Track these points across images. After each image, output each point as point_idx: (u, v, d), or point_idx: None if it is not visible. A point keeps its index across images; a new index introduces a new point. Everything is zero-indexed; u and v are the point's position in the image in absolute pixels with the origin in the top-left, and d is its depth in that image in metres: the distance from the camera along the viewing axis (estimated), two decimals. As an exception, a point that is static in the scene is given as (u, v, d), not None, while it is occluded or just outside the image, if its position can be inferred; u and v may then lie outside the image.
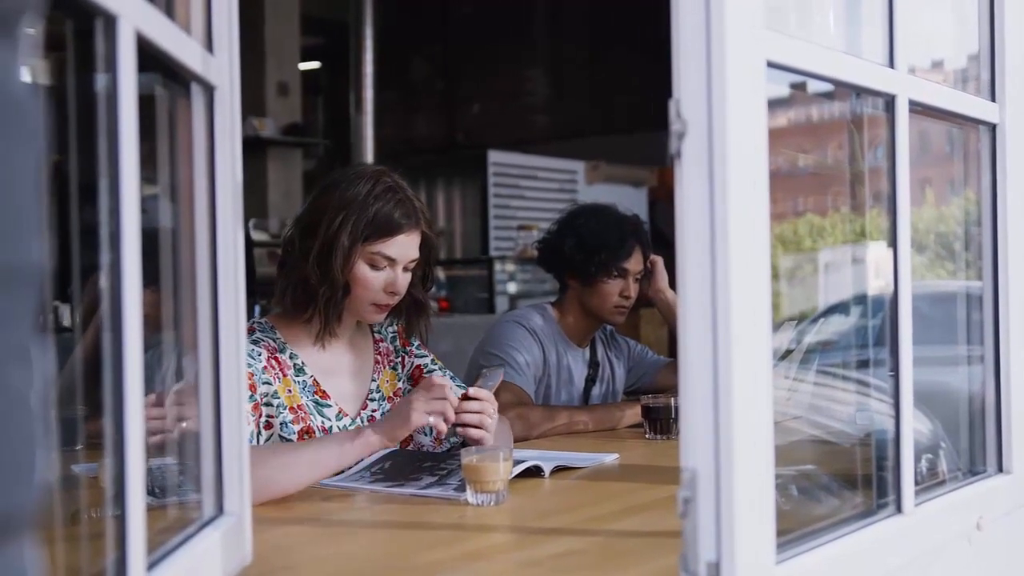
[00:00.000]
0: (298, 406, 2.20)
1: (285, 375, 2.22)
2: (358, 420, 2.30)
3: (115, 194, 1.01)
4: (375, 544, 1.71)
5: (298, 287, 2.23)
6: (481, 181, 8.21)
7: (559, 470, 2.20)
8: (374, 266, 2.22)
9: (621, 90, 9.59)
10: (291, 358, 2.25)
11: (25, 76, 0.60)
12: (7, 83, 0.57)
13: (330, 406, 2.26)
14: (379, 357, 2.41)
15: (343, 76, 9.05)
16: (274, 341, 2.24)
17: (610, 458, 2.36)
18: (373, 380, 2.37)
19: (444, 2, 10.55)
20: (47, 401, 0.60)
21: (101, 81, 1.02)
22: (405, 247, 2.24)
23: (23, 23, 0.59)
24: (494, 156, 8.21)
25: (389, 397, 2.38)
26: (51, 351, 0.62)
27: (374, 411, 2.34)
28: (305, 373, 2.25)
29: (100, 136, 1.02)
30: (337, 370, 2.31)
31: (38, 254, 0.59)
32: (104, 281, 1.01)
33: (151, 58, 1.13)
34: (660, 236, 5.28)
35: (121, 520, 1.01)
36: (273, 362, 2.20)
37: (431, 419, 2.03)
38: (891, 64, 1.54)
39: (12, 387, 0.56)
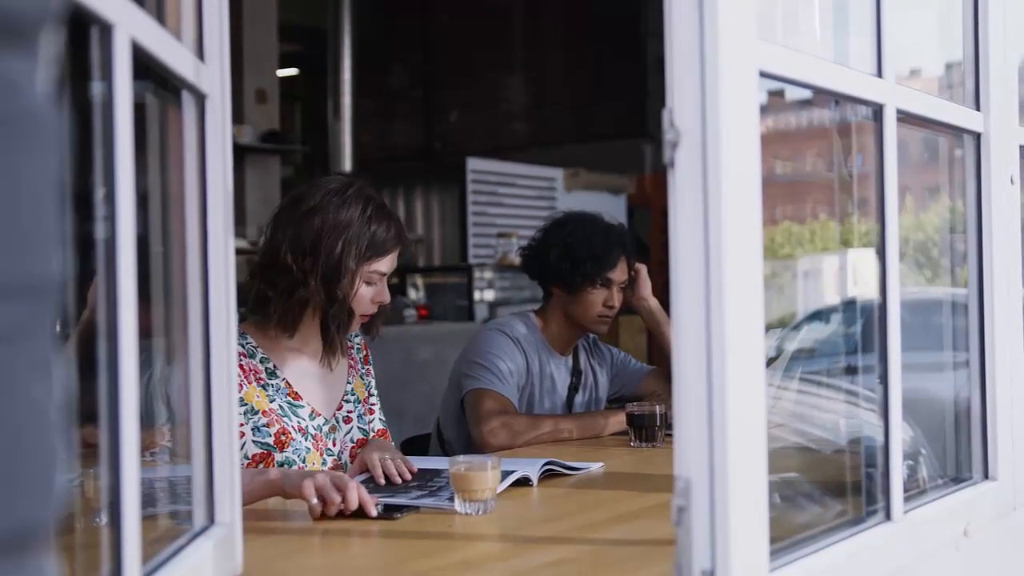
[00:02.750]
0: (270, 409, 2.25)
1: (251, 382, 2.25)
2: (332, 420, 2.37)
3: (111, 202, 1.01)
4: (365, 554, 1.70)
5: (297, 308, 2.27)
6: (460, 188, 8.20)
7: (548, 476, 2.20)
8: (369, 283, 2.31)
9: (599, 98, 9.61)
10: (262, 362, 2.30)
11: (44, 87, 0.59)
12: (26, 95, 0.57)
13: (303, 407, 2.31)
14: (352, 362, 2.48)
15: (321, 83, 9.03)
16: (243, 347, 2.26)
17: (596, 467, 2.37)
18: (348, 383, 2.44)
19: (422, 10, 10.55)
20: (66, 413, 0.59)
21: (96, 89, 1.02)
22: (394, 261, 2.35)
23: (42, 34, 0.58)
24: (473, 163, 8.19)
25: (363, 400, 2.47)
26: (70, 363, 0.61)
27: (349, 412, 2.42)
28: (278, 376, 2.30)
29: (95, 143, 1.02)
30: (312, 374, 2.37)
31: (57, 267, 0.59)
32: (100, 289, 1.00)
33: (143, 66, 1.12)
34: (638, 243, 5.29)
35: (116, 531, 1.01)
36: (238, 368, 2.20)
37: (314, 500, 1.86)
38: (879, 74, 1.55)
39: (33, 400, 0.56)
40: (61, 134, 0.61)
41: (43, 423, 0.57)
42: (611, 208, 7.65)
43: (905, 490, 1.58)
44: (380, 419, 2.53)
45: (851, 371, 1.95)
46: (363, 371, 2.51)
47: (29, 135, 0.57)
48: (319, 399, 2.36)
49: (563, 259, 3.01)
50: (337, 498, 1.83)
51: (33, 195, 0.57)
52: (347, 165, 8.66)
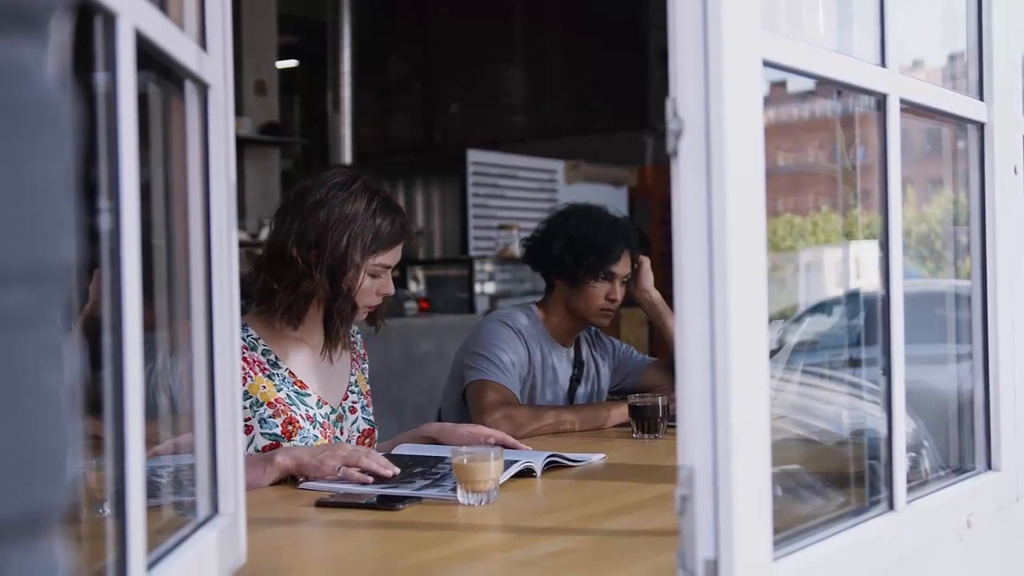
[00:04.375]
0: (276, 400, 2.27)
1: (257, 373, 2.27)
2: (340, 409, 2.40)
3: (115, 193, 1.00)
4: (368, 545, 1.70)
5: (303, 301, 2.29)
6: (460, 181, 8.19)
7: (550, 468, 2.20)
8: (373, 276, 2.33)
9: (600, 90, 9.61)
10: (264, 354, 2.31)
11: (55, 74, 0.59)
12: (38, 82, 0.57)
13: (310, 395, 2.34)
14: (354, 355, 2.51)
15: (321, 75, 9.02)
16: (244, 339, 2.28)
17: (597, 457, 2.37)
18: (352, 375, 2.47)
19: (422, 2, 10.54)
20: (76, 399, 0.59)
21: (100, 79, 1.01)
22: (398, 254, 2.37)
23: (53, 21, 0.59)
24: (473, 155, 8.19)
25: (365, 393, 2.49)
26: (81, 350, 0.62)
27: (354, 403, 2.45)
28: (281, 367, 2.32)
29: (98, 133, 1.02)
30: (315, 364, 2.39)
31: (69, 253, 0.59)
32: (104, 281, 1.00)
33: (146, 56, 1.12)
34: (641, 236, 5.29)
35: (121, 521, 1.00)
36: (243, 362, 2.22)
37: (340, 472, 2.07)
38: (882, 63, 1.55)
39: (44, 385, 0.56)
40: (72, 120, 0.61)
41: (54, 408, 0.57)
42: (612, 200, 7.65)
43: (908, 481, 1.58)
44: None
45: (854, 363, 1.95)
46: (363, 367, 2.54)
47: (41, 121, 0.58)
48: (324, 389, 2.38)
49: (566, 251, 3.01)
50: (372, 465, 2.05)
51: (45, 181, 0.57)
52: (347, 158, 8.66)
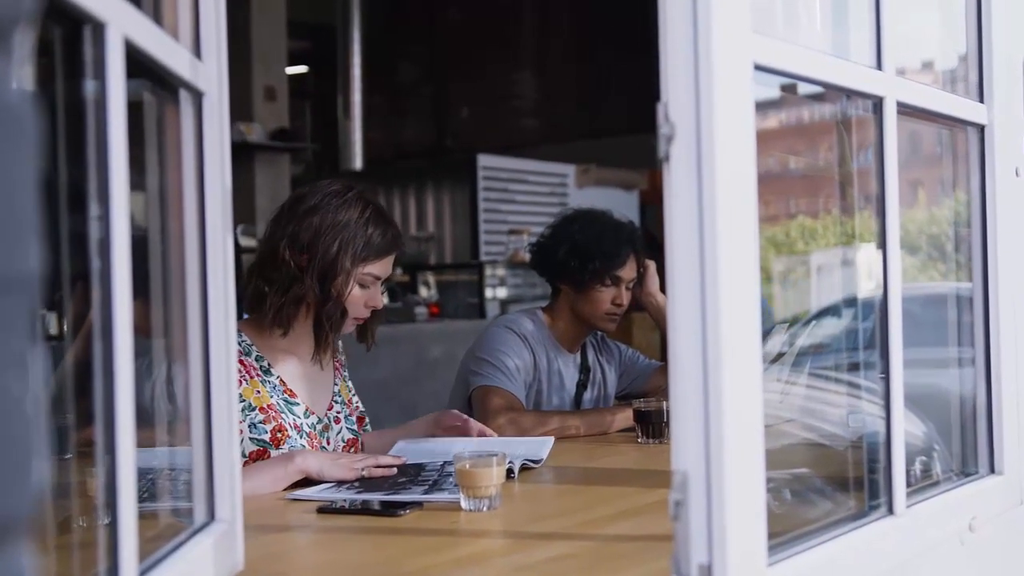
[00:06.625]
0: (268, 406, 2.30)
1: (252, 377, 2.30)
2: (326, 419, 2.43)
3: (105, 201, 1.01)
4: (367, 551, 1.70)
5: (293, 305, 2.31)
6: (471, 185, 8.19)
7: (524, 469, 2.25)
8: (363, 285, 2.35)
9: (610, 93, 9.60)
10: (257, 360, 2.34)
11: (20, 83, 0.60)
12: (2, 91, 0.58)
13: (298, 404, 2.36)
14: (337, 365, 2.53)
15: (331, 80, 9.03)
16: (239, 345, 2.28)
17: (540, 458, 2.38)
18: (335, 384, 2.50)
19: (431, 6, 10.54)
20: (42, 407, 0.60)
21: (89, 87, 1.02)
22: (390, 266, 2.40)
23: (18, 31, 0.59)
24: (484, 160, 8.19)
25: (347, 402, 2.52)
26: (45, 358, 0.62)
27: (338, 413, 2.48)
28: (272, 374, 2.34)
29: (88, 142, 1.02)
30: (303, 374, 2.41)
31: (35, 261, 0.60)
32: (95, 289, 1.00)
33: (138, 64, 1.13)
34: (650, 239, 5.29)
35: (113, 528, 1.01)
36: (238, 365, 2.24)
37: (338, 474, 2.15)
38: (879, 66, 1.54)
39: (9, 393, 0.56)
40: (38, 131, 0.61)
41: (19, 416, 0.57)
42: (623, 204, 7.65)
43: (916, 485, 1.58)
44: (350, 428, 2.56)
45: (862, 366, 1.94)
46: (344, 375, 2.57)
47: (5, 132, 0.58)
48: (311, 398, 2.41)
49: (572, 256, 3.01)
50: (386, 461, 2.20)
51: (10, 190, 0.58)
52: (357, 163, 8.67)
